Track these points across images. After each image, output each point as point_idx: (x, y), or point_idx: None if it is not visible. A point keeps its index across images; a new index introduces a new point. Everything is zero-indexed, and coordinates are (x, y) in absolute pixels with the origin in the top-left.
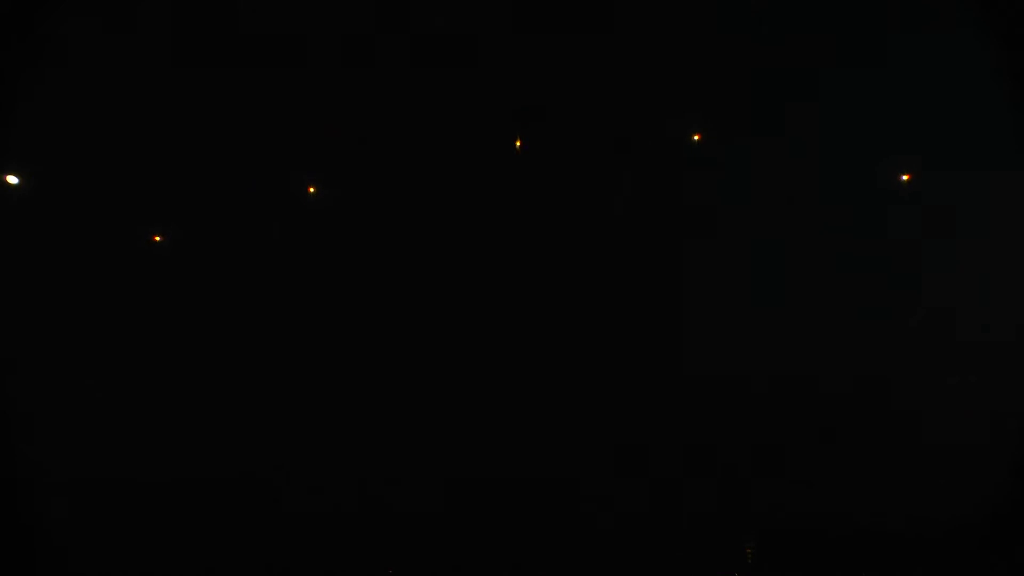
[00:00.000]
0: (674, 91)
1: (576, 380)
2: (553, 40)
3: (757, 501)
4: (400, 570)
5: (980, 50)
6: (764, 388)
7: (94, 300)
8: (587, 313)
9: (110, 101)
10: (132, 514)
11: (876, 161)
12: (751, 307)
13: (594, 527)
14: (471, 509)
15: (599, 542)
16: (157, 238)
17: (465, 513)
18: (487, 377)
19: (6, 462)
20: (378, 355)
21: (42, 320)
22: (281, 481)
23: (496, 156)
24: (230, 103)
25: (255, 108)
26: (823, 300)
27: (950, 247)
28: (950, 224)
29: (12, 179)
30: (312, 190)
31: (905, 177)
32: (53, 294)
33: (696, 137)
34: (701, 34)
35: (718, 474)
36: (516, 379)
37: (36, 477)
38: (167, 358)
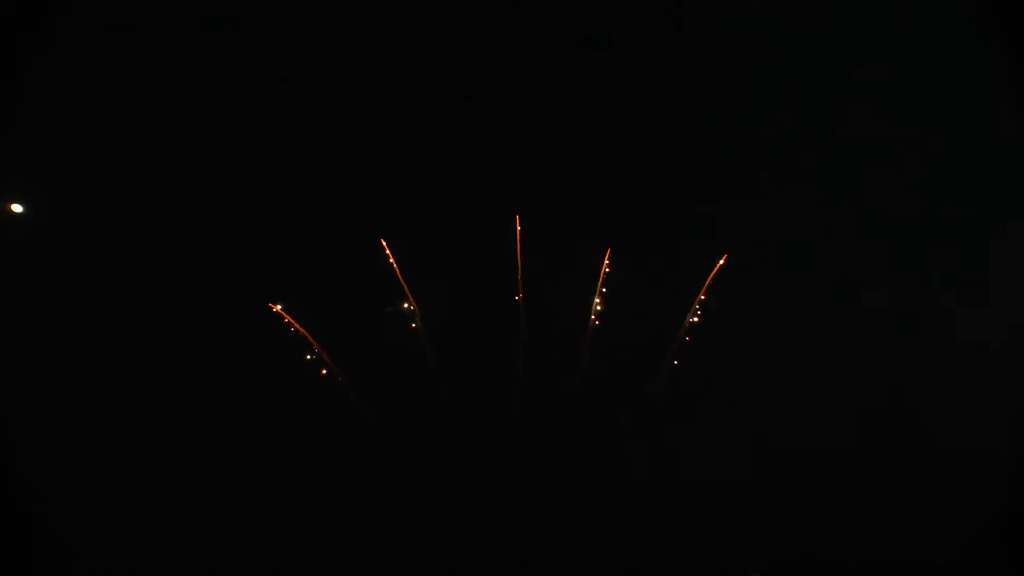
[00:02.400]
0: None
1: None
2: None
3: (763, 531)
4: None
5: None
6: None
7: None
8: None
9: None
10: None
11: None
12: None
13: (601, 553)
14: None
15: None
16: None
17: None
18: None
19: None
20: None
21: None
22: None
23: None
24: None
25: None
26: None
27: (950, 251)
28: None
29: (17, 208)
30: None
31: None
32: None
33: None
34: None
35: (725, 504)
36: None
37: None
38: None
